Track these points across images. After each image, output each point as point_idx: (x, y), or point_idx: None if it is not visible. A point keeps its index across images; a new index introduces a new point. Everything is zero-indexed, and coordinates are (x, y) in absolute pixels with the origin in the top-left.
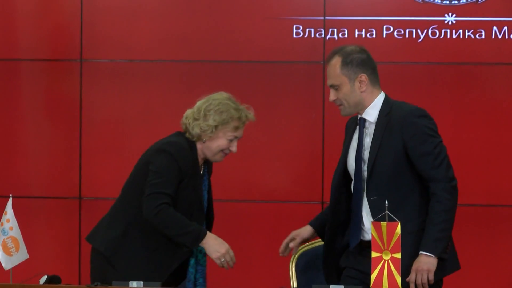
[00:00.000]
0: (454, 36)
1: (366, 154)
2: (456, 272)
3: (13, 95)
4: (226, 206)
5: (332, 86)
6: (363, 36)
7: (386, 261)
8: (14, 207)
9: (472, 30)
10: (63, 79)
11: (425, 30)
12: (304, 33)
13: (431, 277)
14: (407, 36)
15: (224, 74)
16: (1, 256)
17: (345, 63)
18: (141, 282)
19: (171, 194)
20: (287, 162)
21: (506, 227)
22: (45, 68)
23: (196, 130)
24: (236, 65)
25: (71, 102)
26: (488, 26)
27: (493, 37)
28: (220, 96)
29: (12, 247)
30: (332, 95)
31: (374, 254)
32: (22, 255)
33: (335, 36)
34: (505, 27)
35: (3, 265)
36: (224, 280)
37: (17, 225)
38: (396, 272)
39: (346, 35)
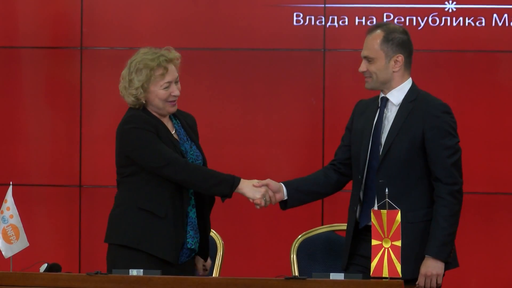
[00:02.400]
0: (454, 24)
1: (383, 136)
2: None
3: (13, 83)
4: None
5: (366, 57)
6: (364, 23)
7: (386, 249)
8: (14, 195)
9: (472, 18)
10: (64, 67)
11: (426, 18)
12: (305, 21)
13: (440, 280)
14: (407, 23)
15: (224, 62)
16: (1, 244)
17: (387, 40)
18: (141, 270)
19: (175, 152)
20: (288, 148)
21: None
22: (46, 55)
23: (131, 99)
24: (236, 52)
25: (71, 90)
26: (488, 13)
27: (493, 24)
28: (136, 55)
29: (12, 235)
30: (363, 66)
31: (374, 242)
32: (22, 243)
33: (336, 23)
34: (505, 15)
35: (3, 253)
36: (224, 268)
37: (17, 213)
38: (396, 259)
39: (346, 23)
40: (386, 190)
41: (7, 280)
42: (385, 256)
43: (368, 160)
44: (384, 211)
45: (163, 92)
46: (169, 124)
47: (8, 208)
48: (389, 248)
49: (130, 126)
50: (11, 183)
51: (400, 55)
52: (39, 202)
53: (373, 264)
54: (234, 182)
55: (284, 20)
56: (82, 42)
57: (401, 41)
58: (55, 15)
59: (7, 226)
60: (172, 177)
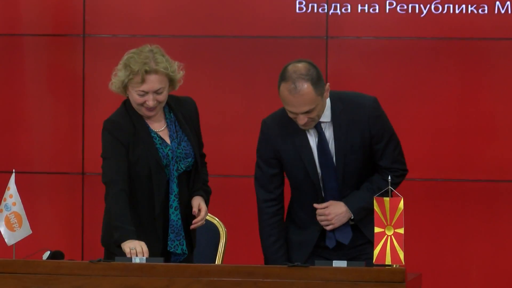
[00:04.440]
0: (457, 11)
1: (334, 158)
2: (458, 247)
3: (15, 70)
4: (227, 181)
5: (307, 112)
6: (366, 11)
7: (389, 236)
8: (17, 182)
9: (475, 5)
10: (66, 54)
11: (428, 5)
12: (307, 8)
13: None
14: (410, 11)
15: (226, 49)
16: (4, 232)
17: (316, 84)
18: (144, 258)
19: (118, 175)
20: None
21: None
22: (48, 43)
23: (112, 88)
24: (238, 40)
25: (74, 77)
26: (491, 1)
27: (496, 12)
28: (136, 49)
29: (15, 222)
30: (304, 119)
31: (377, 230)
32: (25, 230)
33: (338, 11)
34: (508, 2)
35: (6, 240)
36: (227, 256)
37: (20, 201)
38: (399, 247)
39: (349, 10)
40: (389, 177)
41: (10, 268)
42: (388, 243)
43: (323, 183)
44: (387, 199)
45: (138, 97)
46: (158, 120)
47: (11, 196)
48: (392, 236)
49: (104, 127)
50: (13, 170)
51: (326, 83)
52: (42, 189)
53: (376, 251)
54: (119, 238)
55: (287, 7)
56: (85, 30)
57: (319, 73)
58: (57, 3)
59: (10, 214)
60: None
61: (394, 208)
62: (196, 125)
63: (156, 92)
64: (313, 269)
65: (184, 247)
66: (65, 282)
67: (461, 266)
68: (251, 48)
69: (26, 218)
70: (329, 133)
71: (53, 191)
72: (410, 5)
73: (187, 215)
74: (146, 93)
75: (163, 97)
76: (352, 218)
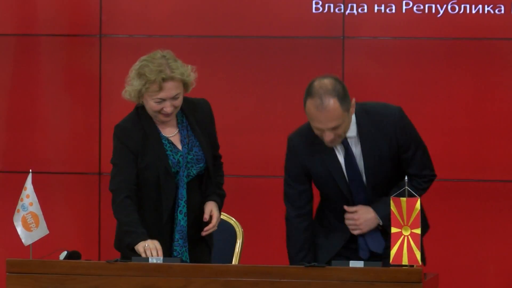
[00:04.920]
0: (473, 11)
1: (362, 173)
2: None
3: (32, 71)
4: (243, 181)
5: (333, 127)
6: (383, 11)
7: (406, 237)
8: (33, 182)
9: (491, 5)
10: (83, 54)
11: (445, 5)
12: (324, 8)
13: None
14: (426, 11)
15: (242, 49)
16: (21, 232)
17: (343, 100)
18: (161, 258)
19: (124, 183)
20: None
21: None
22: (65, 43)
23: (126, 96)
24: (255, 40)
25: (90, 78)
26: (507, 1)
27: None
28: (148, 56)
29: (32, 222)
30: (330, 135)
31: (393, 230)
32: (41, 230)
33: (355, 11)
34: None
35: (23, 241)
36: (244, 256)
37: (37, 201)
38: (415, 247)
39: (365, 10)
40: (406, 178)
41: (27, 268)
42: (405, 243)
43: (353, 195)
44: (403, 199)
45: (155, 105)
46: (170, 126)
47: (27, 196)
48: (409, 236)
49: (114, 133)
50: (30, 170)
51: (352, 98)
52: (59, 189)
53: (393, 251)
54: (131, 242)
55: (303, 7)
56: (101, 30)
57: (345, 89)
58: (74, 3)
59: (26, 214)
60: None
61: (411, 208)
62: (210, 128)
63: (173, 98)
64: (330, 269)
65: (187, 254)
66: (82, 282)
67: (477, 266)
68: (267, 48)
69: (43, 218)
70: (356, 148)
71: (70, 191)
72: (426, 5)
73: (199, 220)
74: (163, 100)
75: (179, 102)
76: (380, 224)
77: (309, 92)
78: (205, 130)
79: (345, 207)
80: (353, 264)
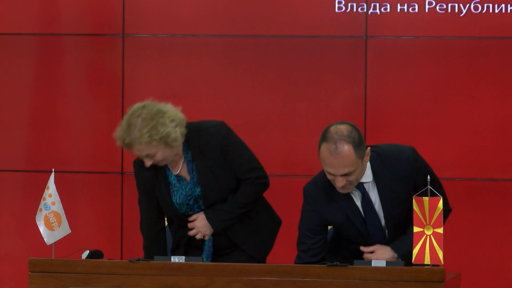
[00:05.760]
0: (496, 11)
1: (381, 218)
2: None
3: (55, 70)
4: None
5: (346, 174)
6: (406, 10)
7: (428, 236)
8: (56, 182)
9: None
10: (106, 54)
11: (468, 5)
12: (346, 8)
13: None
14: (449, 10)
15: (266, 49)
16: (43, 231)
17: (357, 147)
18: (183, 257)
19: (145, 227)
20: None
21: None
22: (88, 43)
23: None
24: (278, 39)
25: (113, 77)
26: None
27: None
28: (128, 113)
29: (54, 222)
30: (342, 181)
31: (416, 229)
32: (64, 230)
33: (377, 10)
34: None
35: (45, 240)
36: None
37: (59, 200)
38: (438, 247)
39: (388, 10)
40: (428, 177)
41: (49, 267)
42: (427, 243)
43: (371, 237)
44: (426, 198)
45: (136, 156)
46: (176, 162)
47: (50, 195)
48: (431, 235)
49: (133, 165)
50: (53, 170)
51: (367, 147)
52: (81, 189)
53: (415, 251)
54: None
55: (326, 7)
56: (124, 29)
57: (360, 137)
58: (97, 2)
59: (49, 213)
60: None
61: (433, 207)
62: (222, 155)
63: (147, 157)
64: (352, 269)
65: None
66: (104, 282)
67: (500, 266)
68: (290, 47)
69: (65, 217)
70: (373, 193)
71: (92, 191)
72: (449, 5)
73: (227, 240)
74: (141, 157)
75: (158, 157)
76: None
77: (324, 137)
78: (214, 161)
79: (362, 248)
80: (376, 263)
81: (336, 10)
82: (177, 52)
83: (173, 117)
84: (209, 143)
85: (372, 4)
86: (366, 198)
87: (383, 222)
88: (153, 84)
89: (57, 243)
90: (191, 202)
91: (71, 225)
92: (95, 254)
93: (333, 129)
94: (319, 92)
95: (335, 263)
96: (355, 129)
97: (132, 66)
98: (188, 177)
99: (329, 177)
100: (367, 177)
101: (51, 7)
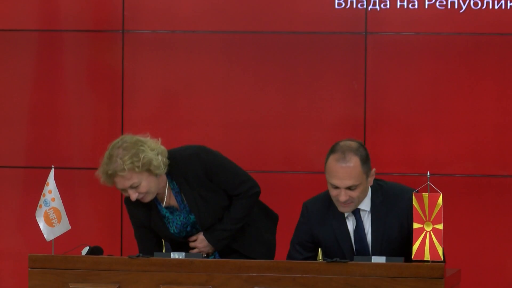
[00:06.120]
0: (496, 7)
1: (368, 244)
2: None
3: (55, 66)
4: (266, 177)
5: (350, 187)
6: (405, 6)
7: (428, 232)
8: (56, 178)
9: None
10: (105, 50)
11: (467, 1)
12: (346, 4)
13: None
14: (449, 6)
15: (266, 45)
16: (43, 227)
17: (364, 162)
18: (183, 253)
19: (143, 242)
20: (329, 132)
21: None
22: (88, 39)
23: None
24: (278, 36)
25: (113, 73)
26: None
27: None
28: (112, 143)
29: (54, 218)
30: (346, 195)
31: (415, 225)
32: (64, 226)
33: (377, 6)
34: None
35: (45, 236)
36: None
37: (59, 196)
38: (438, 243)
39: (388, 6)
40: (428, 173)
41: (49, 263)
42: (427, 239)
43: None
44: (425, 195)
45: (122, 191)
46: (163, 195)
47: (50, 191)
48: (431, 232)
49: (126, 208)
50: (53, 166)
51: (373, 168)
52: (81, 185)
53: (415, 247)
54: None
55: (326, 3)
56: (124, 26)
57: (367, 155)
58: None
59: (49, 209)
60: None
61: (433, 204)
62: (208, 180)
63: (132, 187)
64: (352, 265)
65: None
66: (104, 278)
67: (500, 262)
68: (290, 43)
69: (65, 213)
70: (367, 222)
71: (92, 187)
72: (449, 1)
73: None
74: (124, 189)
75: (143, 188)
76: None
77: (332, 150)
78: (201, 186)
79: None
80: (375, 259)
81: (336, 6)
82: (177, 48)
83: (153, 147)
84: (193, 172)
85: (372, 0)
86: (360, 225)
87: (370, 253)
88: (152, 80)
89: (57, 239)
90: (188, 228)
91: (71, 222)
92: (95, 251)
93: (342, 143)
94: (318, 88)
95: (334, 259)
96: (362, 147)
97: (132, 62)
98: (179, 207)
99: (332, 193)
100: (365, 205)
101: (51, 3)
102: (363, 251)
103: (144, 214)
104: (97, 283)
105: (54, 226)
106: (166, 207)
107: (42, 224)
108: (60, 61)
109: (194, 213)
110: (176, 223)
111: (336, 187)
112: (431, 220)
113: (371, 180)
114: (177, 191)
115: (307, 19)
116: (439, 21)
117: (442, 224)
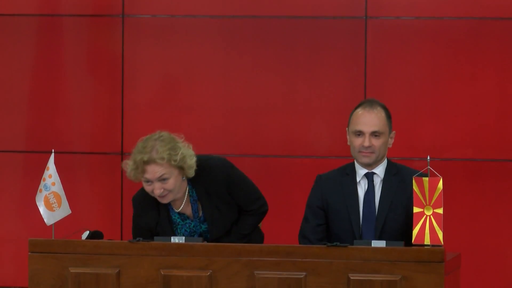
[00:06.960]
0: None
1: (376, 209)
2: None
3: (55, 51)
4: (267, 161)
5: (374, 132)
6: None
7: (428, 217)
8: (56, 162)
9: None
10: (105, 35)
11: None
12: None
13: None
14: None
15: (266, 30)
16: (44, 212)
17: (388, 117)
18: (183, 237)
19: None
20: (329, 117)
21: None
22: (87, 23)
23: (126, 170)
24: (277, 20)
25: (113, 58)
26: None
27: None
28: (147, 136)
29: (54, 202)
30: (369, 142)
31: (416, 210)
32: (64, 210)
33: None
34: None
35: (45, 220)
36: (266, 236)
37: (59, 181)
38: (438, 227)
39: None
40: (428, 157)
41: (49, 248)
42: (427, 223)
43: (362, 234)
44: (425, 179)
45: (145, 185)
46: (180, 201)
47: (50, 176)
48: (431, 216)
49: (133, 204)
50: (53, 150)
51: (394, 131)
52: (81, 169)
53: (415, 231)
54: None
55: None
56: (124, 10)
57: (390, 114)
58: None
59: (49, 194)
60: None
61: (433, 188)
62: (227, 194)
63: (160, 179)
64: (352, 249)
65: None
66: (104, 262)
67: (500, 246)
68: (290, 28)
69: (65, 198)
70: (378, 189)
71: (92, 171)
72: None
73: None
74: (150, 181)
75: (170, 185)
76: None
77: (359, 104)
78: (219, 199)
79: None
80: (375, 244)
81: None
82: (177, 33)
83: (187, 147)
84: (216, 184)
85: None
86: (370, 189)
87: (376, 222)
88: (153, 65)
89: (57, 223)
90: (195, 236)
91: (71, 206)
92: (95, 235)
93: (368, 98)
94: (319, 73)
95: (335, 243)
96: (386, 108)
97: (132, 46)
98: (192, 216)
99: (356, 142)
100: (380, 171)
101: None
102: (369, 215)
103: (153, 216)
104: (97, 267)
105: (54, 210)
106: (178, 213)
107: (42, 209)
108: (60, 45)
109: (208, 223)
110: (185, 230)
111: (360, 134)
112: (431, 205)
113: (391, 142)
114: (195, 199)
115: (307, 4)
116: (439, 5)
117: (442, 208)
